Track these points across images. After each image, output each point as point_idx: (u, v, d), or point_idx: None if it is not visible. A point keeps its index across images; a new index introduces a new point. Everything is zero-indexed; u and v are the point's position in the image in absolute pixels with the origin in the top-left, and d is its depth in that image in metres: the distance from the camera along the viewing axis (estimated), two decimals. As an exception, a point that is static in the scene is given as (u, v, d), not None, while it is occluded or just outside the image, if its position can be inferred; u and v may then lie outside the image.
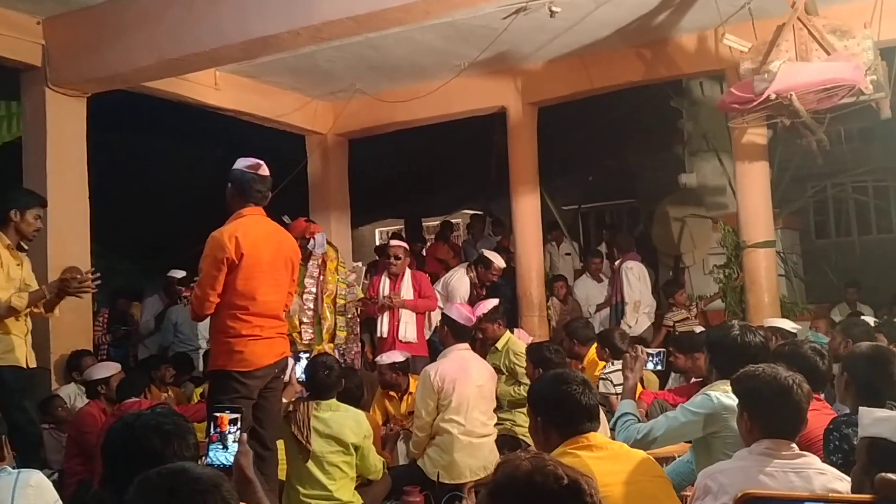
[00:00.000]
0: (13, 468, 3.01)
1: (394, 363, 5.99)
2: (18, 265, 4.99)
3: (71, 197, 6.85)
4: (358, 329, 7.01)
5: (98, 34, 6.59)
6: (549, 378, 3.01)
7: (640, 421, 3.71)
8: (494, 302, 6.47)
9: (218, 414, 2.64)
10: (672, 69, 7.98)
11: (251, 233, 4.29)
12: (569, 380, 2.87)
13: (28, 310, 4.93)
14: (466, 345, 5.49)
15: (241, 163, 4.41)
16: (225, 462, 2.59)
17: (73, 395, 6.56)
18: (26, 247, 5.13)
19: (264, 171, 4.40)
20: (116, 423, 2.31)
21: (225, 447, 2.59)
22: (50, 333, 6.52)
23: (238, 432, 2.60)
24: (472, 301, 7.16)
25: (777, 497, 1.77)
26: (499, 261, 7.74)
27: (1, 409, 4.34)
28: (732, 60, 6.86)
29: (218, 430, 2.64)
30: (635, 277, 8.42)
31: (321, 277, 6.49)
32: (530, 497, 1.67)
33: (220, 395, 4.27)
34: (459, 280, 7.51)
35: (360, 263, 12.45)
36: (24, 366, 4.95)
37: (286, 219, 6.56)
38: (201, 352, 7.84)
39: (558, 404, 2.82)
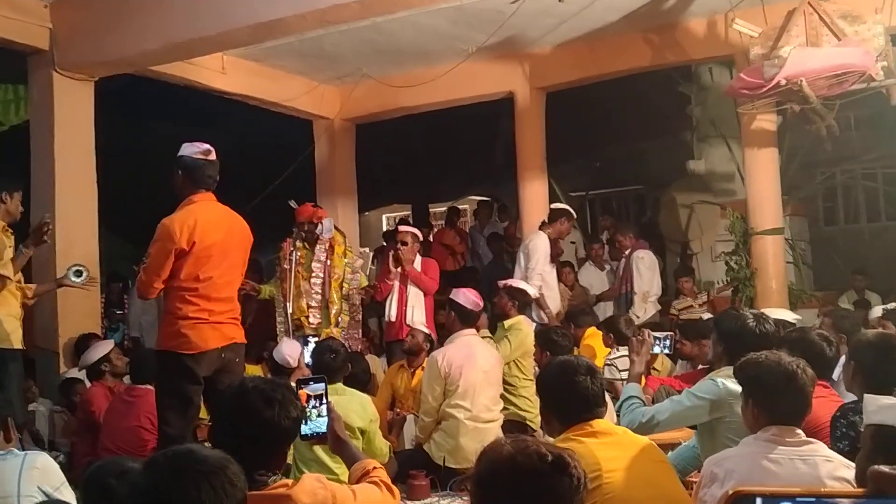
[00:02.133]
0: (19, 450, 3.04)
1: (428, 334, 6.19)
2: (10, 247, 5.25)
3: (78, 180, 6.87)
4: (360, 316, 6.98)
5: (105, 17, 6.58)
6: (554, 365, 3.05)
7: (644, 405, 3.70)
8: (534, 291, 6.54)
9: (299, 390, 2.77)
10: (681, 55, 7.92)
11: (202, 219, 4.28)
12: (571, 368, 2.88)
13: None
14: (473, 330, 5.51)
15: (190, 149, 4.36)
16: (311, 432, 2.80)
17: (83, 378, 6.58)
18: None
19: (213, 155, 4.39)
20: (233, 384, 2.61)
21: (307, 420, 2.77)
22: (58, 316, 6.56)
23: (322, 405, 2.82)
24: (553, 258, 7.34)
25: (769, 494, 1.76)
26: (570, 208, 7.74)
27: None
28: (742, 46, 6.82)
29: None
30: (646, 267, 8.36)
31: (328, 262, 6.50)
32: (516, 479, 1.68)
33: (165, 376, 4.31)
34: (539, 238, 7.36)
35: (367, 249, 12.45)
36: (14, 346, 5.28)
37: (293, 203, 6.56)
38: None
39: (559, 392, 2.86)
